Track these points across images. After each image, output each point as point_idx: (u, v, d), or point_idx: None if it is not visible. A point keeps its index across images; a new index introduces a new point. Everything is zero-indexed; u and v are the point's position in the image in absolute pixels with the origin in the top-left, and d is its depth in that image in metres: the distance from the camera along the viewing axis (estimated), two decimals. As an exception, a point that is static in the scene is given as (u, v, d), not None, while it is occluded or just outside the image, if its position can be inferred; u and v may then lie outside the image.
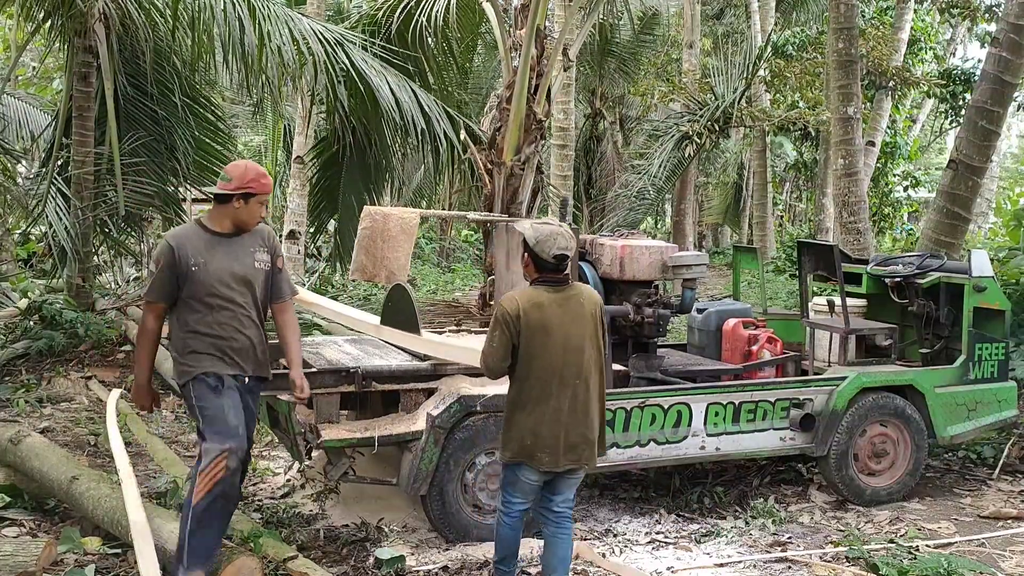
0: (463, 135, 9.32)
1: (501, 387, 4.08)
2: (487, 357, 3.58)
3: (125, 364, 8.45)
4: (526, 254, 3.60)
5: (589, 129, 21.33)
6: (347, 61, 8.65)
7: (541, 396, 3.52)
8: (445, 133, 9.24)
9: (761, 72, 15.59)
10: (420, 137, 9.27)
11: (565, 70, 10.44)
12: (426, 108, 9.16)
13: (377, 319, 5.43)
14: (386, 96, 8.80)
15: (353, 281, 12.31)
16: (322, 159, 10.93)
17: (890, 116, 16.50)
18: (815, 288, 7.47)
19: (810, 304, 6.24)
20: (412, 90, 9.17)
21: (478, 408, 4.48)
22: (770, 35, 16.46)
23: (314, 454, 4.37)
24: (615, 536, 4.74)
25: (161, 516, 4.01)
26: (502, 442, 3.66)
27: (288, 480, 5.50)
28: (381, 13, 9.95)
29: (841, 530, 4.89)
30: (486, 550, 4.36)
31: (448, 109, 9.58)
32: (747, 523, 4.94)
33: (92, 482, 4.35)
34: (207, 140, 10.85)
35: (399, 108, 8.86)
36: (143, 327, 3.92)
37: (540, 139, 9.00)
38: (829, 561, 4.42)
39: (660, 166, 14.61)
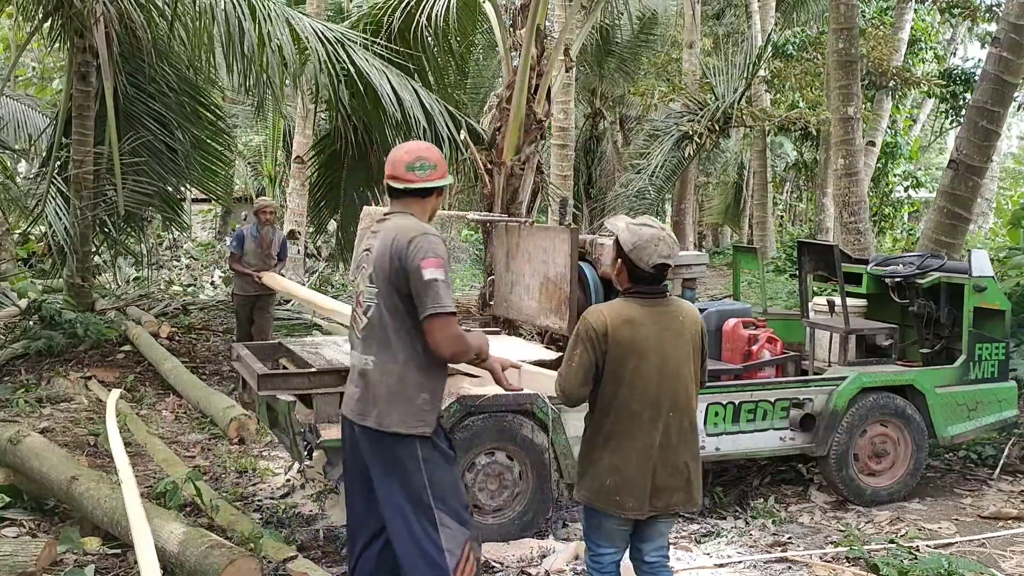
0: (463, 135, 9.32)
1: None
2: (564, 380, 3.05)
3: (124, 364, 8.45)
4: (619, 260, 3.07)
5: (589, 129, 21.33)
6: (348, 60, 8.65)
7: (629, 430, 2.99)
8: (449, 133, 9.24)
9: (761, 72, 15.59)
10: (422, 136, 9.27)
11: (567, 70, 10.43)
12: (428, 107, 9.16)
13: None
14: (387, 95, 8.80)
15: (353, 280, 12.31)
16: (322, 158, 10.92)
17: (890, 116, 16.50)
18: (815, 288, 7.46)
19: (810, 304, 6.23)
20: (413, 89, 9.17)
21: (478, 408, 4.47)
22: (770, 35, 16.46)
23: (314, 454, 4.36)
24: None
25: (161, 516, 4.01)
26: (577, 478, 3.17)
27: (288, 480, 5.50)
28: (381, 12, 9.94)
29: (841, 530, 4.88)
30: (486, 550, 4.36)
31: (450, 108, 9.58)
32: (747, 523, 4.94)
33: (92, 482, 4.35)
34: (207, 140, 10.86)
35: (400, 107, 8.86)
36: (463, 335, 2.98)
37: (540, 139, 8.99)
38: (829, 561, 4.41)
39: (660, 166, 14.61)
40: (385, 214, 3.12)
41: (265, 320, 8.11)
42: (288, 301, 10.84)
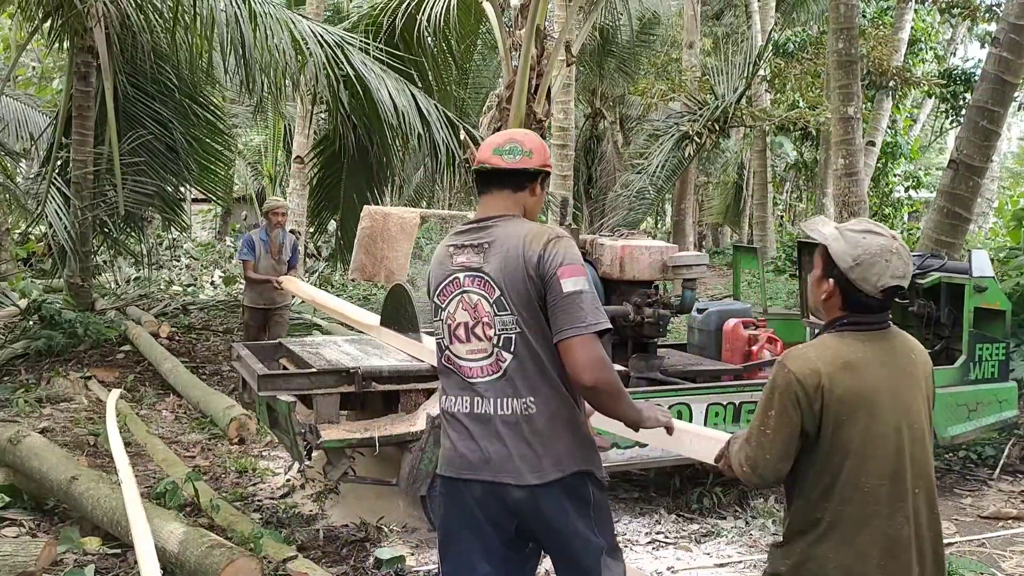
0: (463, 135, 9.32)
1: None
2: (756, 453, 2.18)
3: (124, 364, 8.45)
4: (830, 280, 2.21)
5: (589, 129, 21.34)
6: (347, 64, 8.65)
7: (862, 516, 2.13)
8: (445, 140, 9.24)
9: (761, 72, 15.59)
10: (419, 141, 9.28)
11: (568, 65, 10.42)
12: (425, 113, 9.16)
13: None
14: (385, 100, 8.81)
15: (353, 281, 12.31)
16: (322, 159, 10.93)
17: (890, 116, 16.49)
18: (815, 288, 7.45)
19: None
20: (411, 94, 9.17)
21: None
22: (770, 35, 16.46)
23: (314, 454, 4.36)
24: (615, 536, 4.73)
25: (161, 516, 4.01)
26: None
27: (288, 480, 5.50)
28: (381, 13, 9.94)
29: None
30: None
31: (448, 113, 9.58)
32: (747, 523, 4.94)
33: (91, 482, 4.34)
34: (207, 140, 10.87)
35: (397, 112, 8.87)
36: (609, 362, 2.45)
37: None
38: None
39: (660, 166, 14.61)
40: (478, 219, 2.49)
41: (282, 331, 7.58)
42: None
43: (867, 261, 2.15)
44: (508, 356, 2.38)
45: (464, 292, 2.44)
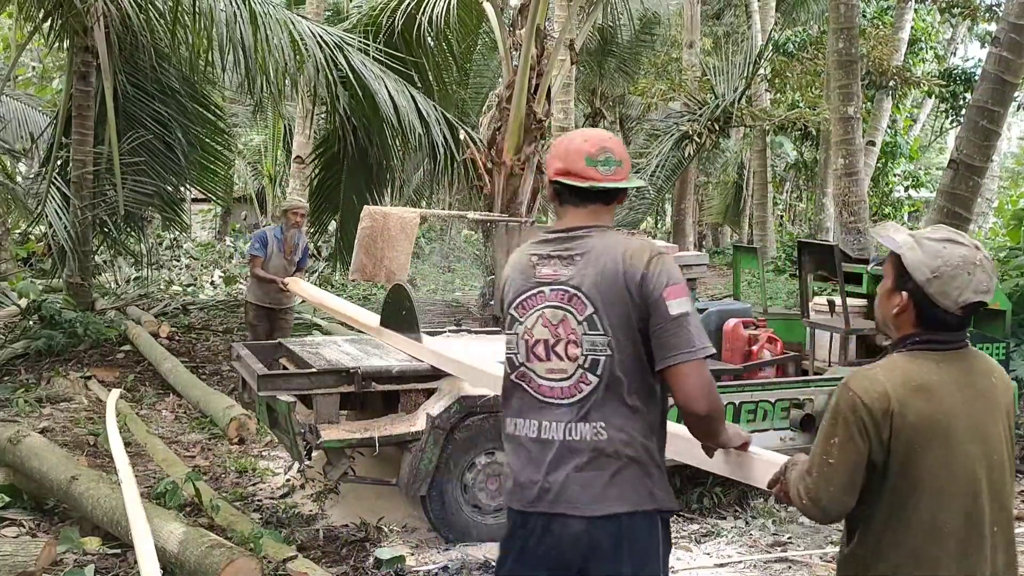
0: (462, 135, 9.32)
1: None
2: (818, 484, 1.96)
3: (124, 364, 8.45)
4: (904, 293, 1.99)
5: (589, 129, 21.31)
6: (346, 65, 8.66)
7: (934, 557, 1.93)
8: (444, 141, 9.25)
9: (761, 71, 15.59)
10: (418, 142, 9.28)
11: (573, 63, 10.44)
12: (424, 114, 9.17)
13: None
14: (384, 101, 8.81)
15: (353, 281, 12.31)
16: (323, 159, 10.94)
17: (890, 116, 16.49)
18: (815, 288, 7.47)
19: (810, 304, 6.23)
20: (411, 95, 9.18)
21: (478, 408, 4.47)
22: (770, 35, 16.46)
23: (314, 454, 4.36)
24: None
25: (161, 516, 4.01)
26: None
27: (288, 480, 5.50)
28: (381, 14, 9.94)
29: (841, 530, 4.88)
30: (486, 550, 4.36)
31: (447, 115, 9.58)
32: (747, 523, 4.94)
33: (91, 482, 4.34)
34: (207, 140, 10.87)
35: (397, 113, 8.87)
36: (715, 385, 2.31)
37: (540, 139, 9.00)
38: (829, 561, 4.41)
39: (660, 166, 14.61)
40: (565, 228, 2.28)
41: (287, 332, 7.37)
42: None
43: (947, 274, 1.94)
44: (593, 379, 2.18)
45: (547, 307, 2.24)
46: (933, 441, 1.90)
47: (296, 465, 5.31)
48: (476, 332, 6.08)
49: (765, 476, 2.23)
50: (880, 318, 2.10)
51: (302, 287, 7.13)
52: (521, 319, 2.29)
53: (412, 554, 4.33)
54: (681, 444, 2.47)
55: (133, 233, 10.82)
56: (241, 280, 15.08)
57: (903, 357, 1.99)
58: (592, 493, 2.17)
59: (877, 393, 1.90)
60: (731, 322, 5.75)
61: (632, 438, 2.19)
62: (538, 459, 2.23)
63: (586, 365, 2.19)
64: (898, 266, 2.01)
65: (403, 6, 9.67)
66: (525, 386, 2.28)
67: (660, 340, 2.15)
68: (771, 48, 15.32)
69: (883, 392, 1.90)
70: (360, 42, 9.26)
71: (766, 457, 2.35)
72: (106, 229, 9.95)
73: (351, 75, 8.71)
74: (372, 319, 5.54)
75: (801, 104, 15.93)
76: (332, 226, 11.91)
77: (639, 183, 2.41)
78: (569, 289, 2.21)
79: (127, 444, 5.30)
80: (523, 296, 2.29)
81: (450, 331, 5.95)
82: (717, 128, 14.78)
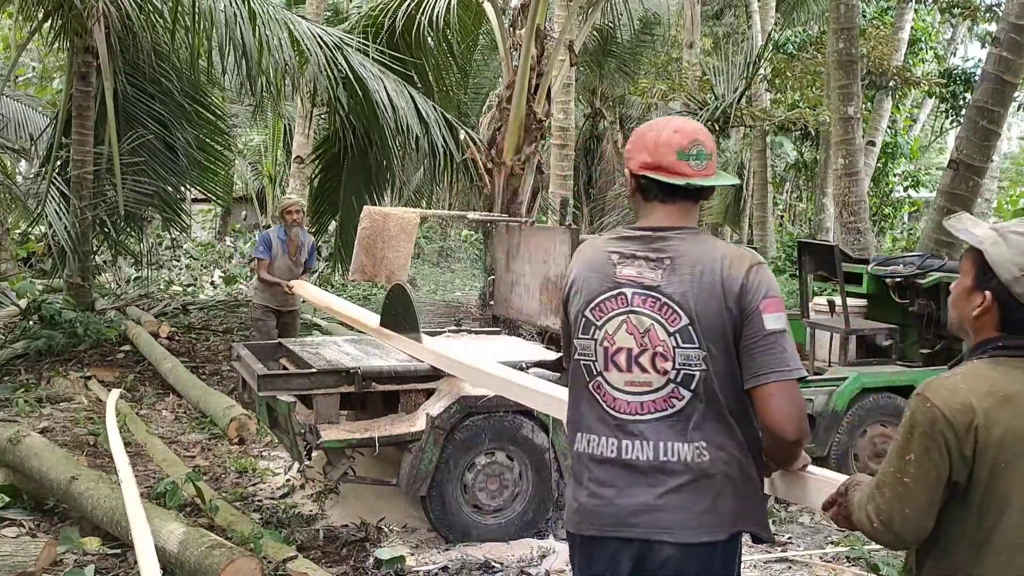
0: (462, 135, 9.32)
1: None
2: (891, 505, 1.74)
3: (124, 364, 8.45)
4: (987, 293, 1.78)
5: (589, 129, 21.32)
6: (346, 65, 8.66)
7: None
8: (444, 141, 9.25)
9: (762, 72, 15.59)
10: (417, 143, 9.29)
11: (573, 65, 10.44)
12: (424, 114, 9.17)
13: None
14: (384, 101, 8.81)
15: (353, 281, 12.31)
16: (323, 159, 10.94)
17: (890, 116, 16.49)
18: (815, 288, 7.47)
19: (810, 304, 6.23)
20: (410, 95, 9.17)
21: (478, 409, 4.47)
22: (770, 34, 16.46)
23: (314, 454, 4.36)
24: None
25: (161, 516, 4.01)
26: None
27: (288, 480, 5.50)
28: (381, 14, 9.94)
29: (841, 530, 4.88)
30: (486, 550, 4.37)
31: (447, 115, 9.58)
32: (747, 523, 4.93)
33: (91, 482, 4.34)
34: (207, 140, 10.88)
35: (396, 114, 8.87)
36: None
37: (540, 139, 9.00)
38: (829, 561, 4.41)
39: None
40: (650, 227, 2.09)
41: (294, 334, 7.27)
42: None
43: None
44: (686, 394, 2.00)
45: (632, 312, 2.04)
46: (1020, 457, 1.70)
47: (296, 465, 5.32)
48: (476, 332, 6.08)
49: (819, 497, 2.03)
50: (955, 319, 1.88)
51: (308, 290, 7.05)
52: (599, 323, 2.08)
53: (412, 554, 4.33)
54: None
55: (133, 233, 10.82)
56: (241, 280, 15.09)
57: (985, 364, 1.78)
58: (690, 517, 1.99)
59: (959, 405, 1.69)
60: (731, 322, 5.74)
61: (732, 458, 2.02)
62: (624, 482, 2.02)
63: (678, 379, 2.00)
64: (979, 262, 1.79)
65: (403, 6, 9.67)
66: (599, 398, 2.08)
67: (752, 356, 1.98)
68: (771, 48, 15.32)
69: (966, 404, 1.69)
70: (360, 42, 9.26)
71: (821, 476, 2.14)
72: (106, 229, 9.95)
73: (351, 75, 8.71)
74: (378, 322, 5.50)
75: (801, 104, 15.92)
76: (332, 226, 11.91)
77: (731, 180, 2.24)
78: (659, 297, 2.01)
79: (127, 444, 5.30)
80: (601, 298, 2.09)
81: (450, 331, 5.95)
82: (717, 128, 14.77)
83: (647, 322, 2.02)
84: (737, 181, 2.05)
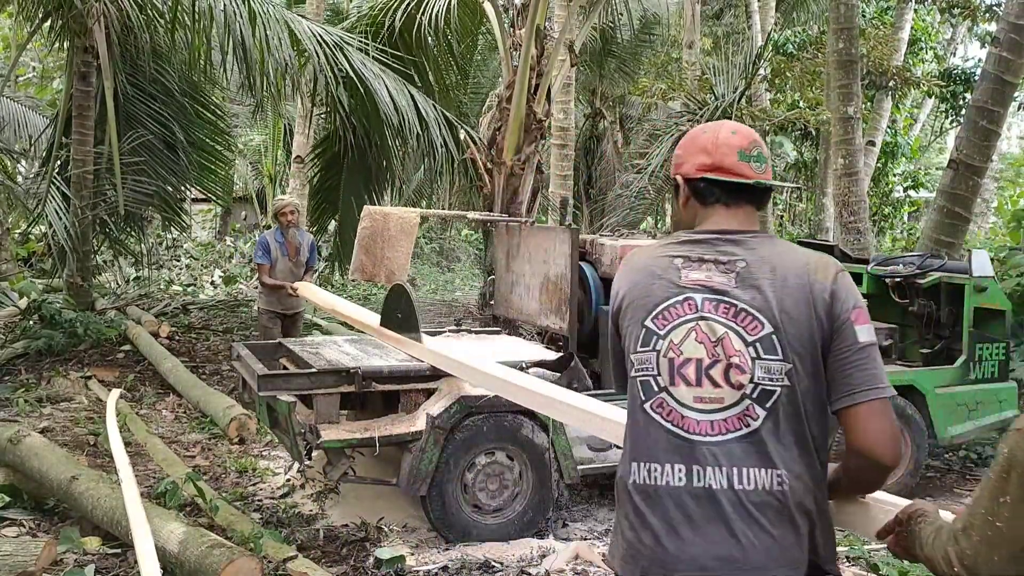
0: (463, 135, 9.32)
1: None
2: (979, 552, 1.55)
3: (124, 364, 8.46)
4: None
5: (589, 129, 21.31)
6: (347, 64, 8.66)
7: None
8: (444, 140, 9.24)
9: (762, 71, 15.59)
10: (418, 142, 9.29)
11: (573, 65, 10.44)
12: (424, 113, 9.17)
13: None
14: (384, 101, 8.81)
15: (353, 281, 12.31)
16: (323, 159, 10.94)
17: (890, 116, 16.50)
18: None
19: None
20: (411, 94, 9.18)
21: (478, 408, 4.47)
22: (770, 34, 16.46)
23: (314, 454, 4.37)
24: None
25: (161, 516, 4.01)
26: None
27: (288, 480, 5.50)
28: (381, 14, 9.94)
29: (841, 530, 4.87)
30: (486, 550, 4.37)
31: (447, 114, 9.59)
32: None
33: (91, 482, 4.35)
34: (207, 140, 10.88)
35: (397, 113, 8.87)
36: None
37: (540, 139, 9.00)
38: (829, 561, 4.41)
39: (660, 166, 14.60)
40: (718, 230, 1.92)
41: (297, 336, 7.18)
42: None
43: None
44: (762, 413, 1.77)
45: (702, 319, 1.82)
46: None
47: (296, 465, 5.32)
48: (476, 332, 6.09)
49: (873, 523, 1.86)
50: None
51: (312, 292, 6.94)
52: (662, 331, 1.85)
53: (412, 554, 4.33)
54: None
55: (133, 233, 10.83)
56: (241, 280, 15.09)
57: None
58: (771, 556, 1.75)
59: None
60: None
61: (810, 488, 1.80)
62: (697, 515, 1.77)
63: (755, 395, 1.77)
64: None
65: (403, 6, 9.67)
66: (662, 419, 1.82)
67: (843, 372, 1.78)
68: (771, 48, 15.33)
69: None
70: (360, 41, 9.27)
71: (876, 501, 1.92)
72: (106, 229, 9.96)
73: (351, 74, 8.71)
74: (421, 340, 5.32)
75: (801, 104, 15.92)
76: (332, 226, 11.92)
77: (791, 185, 2.04)
78: (734, 302, 1.81)
79: (127, 444, 5.30)
80: (665, 304, 1.86)
81: (450, 331, 5.95)
82: (717, 128, 14.77)
83: (720, 330, 1.81)
84: (797, 185, 1.76)
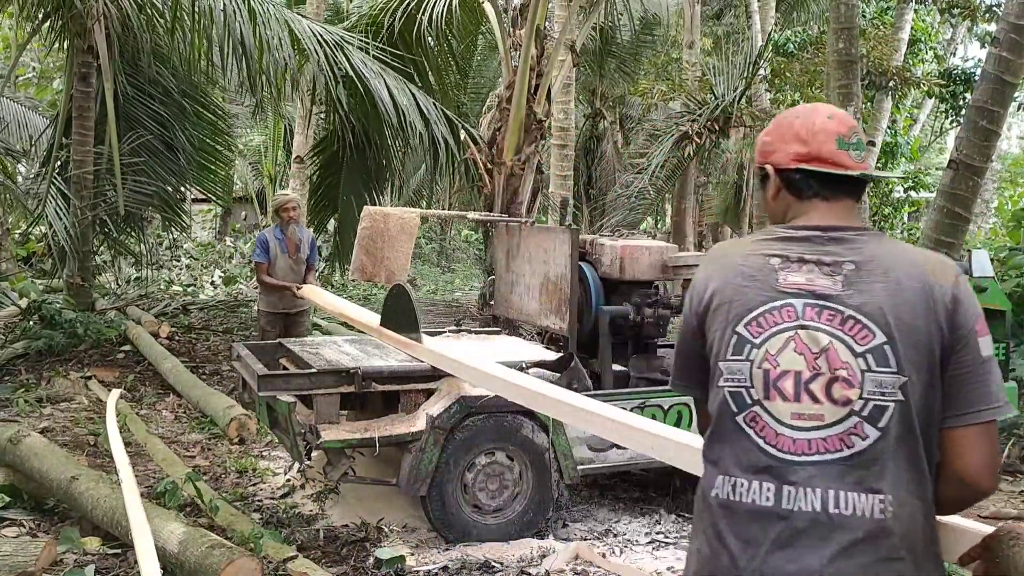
0: (463, 135, 9.33)
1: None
2: None
3: (124, 364, 8.46)
4: None
5: (589, 129, 21.33)
6: (347, 64, 8.66)
7: None
8: (444, 138, 9.25)
9: (762, 71, 15.60)
10: (418, 140, 9.29)
11: (575, 65, 10.46)
12: (425, 111, 9.18)
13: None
14: (384, 99, 8.82)
15: (353, 281, 12.31)
16: (322, 159, 10.95)
17: (890, 116, 16.49)
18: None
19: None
20: (411, 93, 9.18)
21: (478, 409, 4.47)
22: (770, 35, 16.47)
23: (314, 454, 4.37)
24: (615, 536, 4.74)
25: (161, 516, 4.01)
26: None
27: (288, 480, 5.50)
28: (381, 13, 9.95)
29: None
30: (486, 550, 4.37)
31: (447, 112, 9.59)
32: (747, 523, 4.93)
33: (91, 482, 4.35)
34: (207, 140, 10.89)
35: (397, 111, 8.88)
36: None
37: (540, 139, 9.01)
38: (829, 561, 4.41)
39: (660, 166, 14.61)
40: (821, 227, 1.72)
41: (304, 335, 6.98)
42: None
43: None
44: (872, 433, 1.59)
45: (802, 327, 1.64)
46: None
47: (296, 465, 5.32)
48: (476, 332, 6.09)
49: (955, 547, 1.70)
50: None
51: (317, 295, 6.72)
52: (756, 340, 1.68)
53: (412, 554, 4.33)
54: None
55: (133, 233, 10.83)
56: (241, 280, 15.09)
57: None
58: None
59: None
60: (731, 322, 5.74)
61: (917, 515, 1.61)
62: (777, 538, 1.60)
63: (864, 412, 1.59)
64: None
65: (403, 6, 9.68)
66: (754, 434, 1.67)
67: (962, 388, 1.61)
68: (771, 49, 15.33)
69: None
70: (361, 40, 9.27)
71: (954, 524, 1.76)
72: (106, 229, 9.96)
73: (351, 73, 8.72)
74: (403, 336, 5.25)
75: (801, 104, 15.92)
76: (332, 226, 11.92)
77: (898, 175, 1.81)
78: (841, 309, 1.63)
79: (127, 444, 5.30)
80: (761, 310, 1.68)
81: (450, 331, 5.95)
82: (717, 128, 14.78)
83: (824, 339, 1.63)
84: (903, 175, 1.54)
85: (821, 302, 1.65)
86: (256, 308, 7.44)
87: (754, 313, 1.69)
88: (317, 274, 7.82)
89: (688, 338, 1.84)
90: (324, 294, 6.86)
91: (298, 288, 6.81)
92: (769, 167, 1.81)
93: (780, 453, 1.63)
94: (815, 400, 1.62)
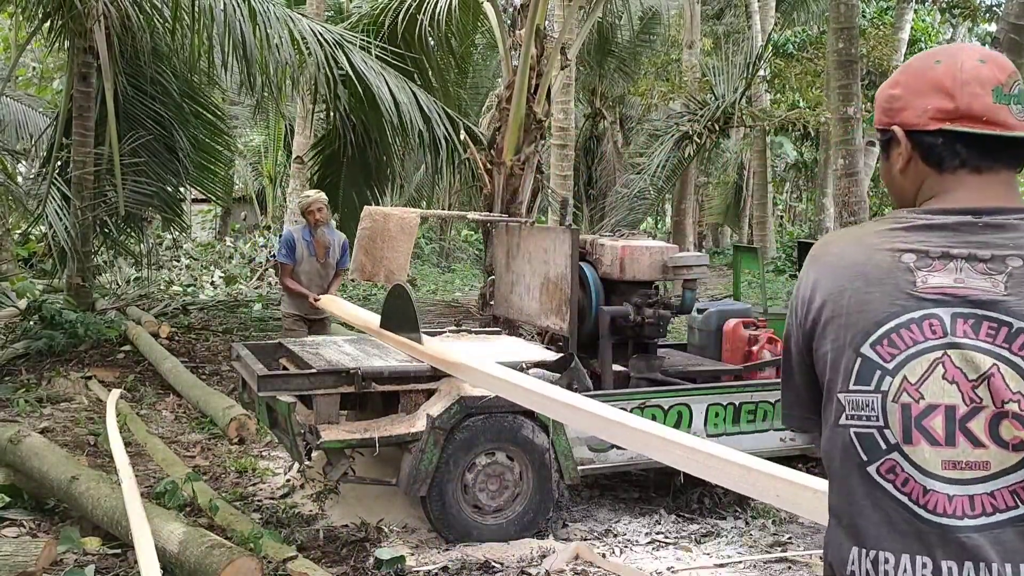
0: (463, 135, 9.33)
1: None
2: None
3: (124, 364, 8.46)
4: None
5: (589, 129, 21.34)
6: (347, 62, 8.66)
7: None
8: (445, 136, 9.25)
9: (761, 72, 15.61)
10: (419, 139, 9.29)
11: (563, 68, 10.45)
12: (426, 110, 9.17)
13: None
14: (385, 98, 8.82)
15: (353, 281, 12.30)
16: (322, 158, 10.95)
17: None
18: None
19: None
20: (412, 91, 9.18)
21: (478, 409, 4.48)
22: (770, 35, 16.48)
23: (314, 454, 4.37)
24: (615, 536, 4.74)
25: (161, 516, 4.01)
26: None
27: (288, 480, 5.50)
28: (382, 13, 9.96)
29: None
30: (486, 550, 4.37)
31: (448, 110, 9.59)
32: (747, 523, 4.94)
33: (92, 482, 4.35)
34: (207, 140, 10.89)
35: (398, 110, 8.88)
36: None
37: (540, 139, 9.00)
38: (829, 561, 4.41)
39: (660, 166, 14.62)
40: (972, 211, 1.30)
41: None
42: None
43: None
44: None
45: (953, 346, 1.24)
46: None
47: (296, 465, 5.32)
48: (476, 332, 6.09)
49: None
50: None
51: (338, 305, 6.37)
52: (890, 365, 1.27)
53: (412, 554, 4.33)
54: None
55: (133, 233, 10.83)
56: (241, 281, 15.09)
57: None
58: None
59: None
60: (731, 322, 5.76)
61: None
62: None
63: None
64: None
65: (404, 6, 9.68)
66: (895, 491, 1.26)
67: None
68: (771, 50, 15.34)
69: None
70: (361, 39, 9.27)
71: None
72: (106, 230, 9.96)
73: (351, 72, 8.71)
74: (433, 348, 4.81)
75: (801, 104, 15.93)
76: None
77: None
78: (1007, 319, 1.23)
79: (127, 444, 5.30)
80: (895, 324, 1.27)
81: (450, 331, 5.95)
82: (717, 128, 14.79)
83: (984, 362, 1.23)
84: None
85: (978, 311, 1.24)
86: (281, 309, 7.11)
87: (884, 328, 1.28)
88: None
89: (796, 358, 1.44)
90: (345, 305, 6.46)
91: (316, 299, 6.48)
92: (897, 129, 1.36)
93: (932, 516, 1.23)
94: (976, 444, 1.23)
